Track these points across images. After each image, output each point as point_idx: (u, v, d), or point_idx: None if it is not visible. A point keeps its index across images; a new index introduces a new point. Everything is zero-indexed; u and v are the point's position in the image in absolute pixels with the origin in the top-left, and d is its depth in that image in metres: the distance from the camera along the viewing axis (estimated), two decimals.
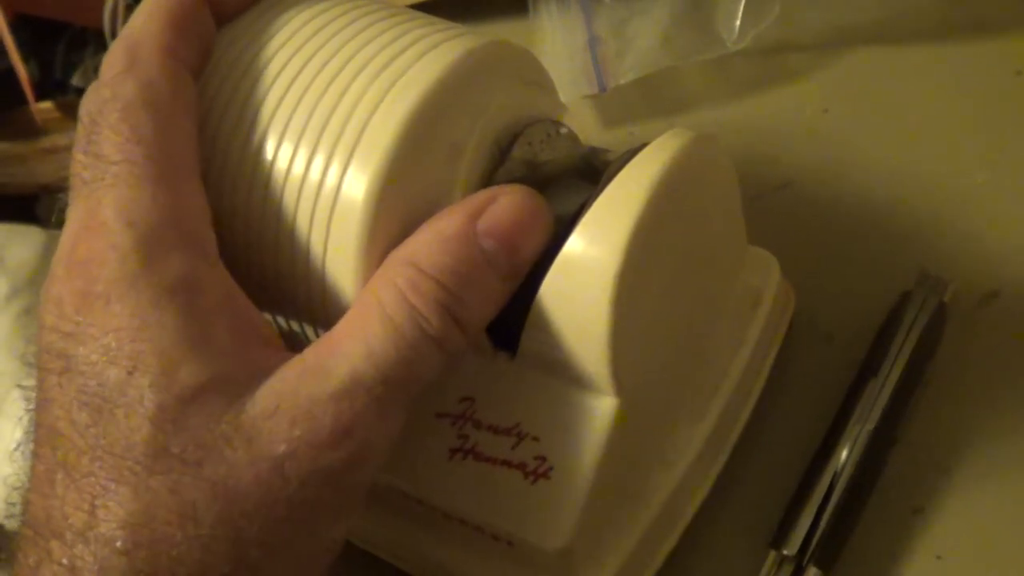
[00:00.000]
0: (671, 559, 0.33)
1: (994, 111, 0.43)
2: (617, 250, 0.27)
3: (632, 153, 0.29)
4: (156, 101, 0.27)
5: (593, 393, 0.28)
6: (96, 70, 0.41)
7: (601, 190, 0.28)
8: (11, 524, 0.26)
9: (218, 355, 0.25)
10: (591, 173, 0.30)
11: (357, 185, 0.27)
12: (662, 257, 0.29)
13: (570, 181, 0.30)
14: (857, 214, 0.40)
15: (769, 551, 0.33)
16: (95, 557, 0.23)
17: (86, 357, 0.24)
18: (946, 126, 0.42)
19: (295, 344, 0.27)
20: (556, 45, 0.45)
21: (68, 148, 0.27)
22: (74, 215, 0.26)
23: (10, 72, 0.50)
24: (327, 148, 0.27)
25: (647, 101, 0.45)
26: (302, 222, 0.27)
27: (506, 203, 0.27)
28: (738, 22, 0.43)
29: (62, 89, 0.53)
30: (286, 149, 0.28)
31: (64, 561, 0.23)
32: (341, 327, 0.26)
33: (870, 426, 0.34)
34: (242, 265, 0.28)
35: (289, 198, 0.28)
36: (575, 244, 0.27)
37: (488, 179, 0.29)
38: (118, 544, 0.23)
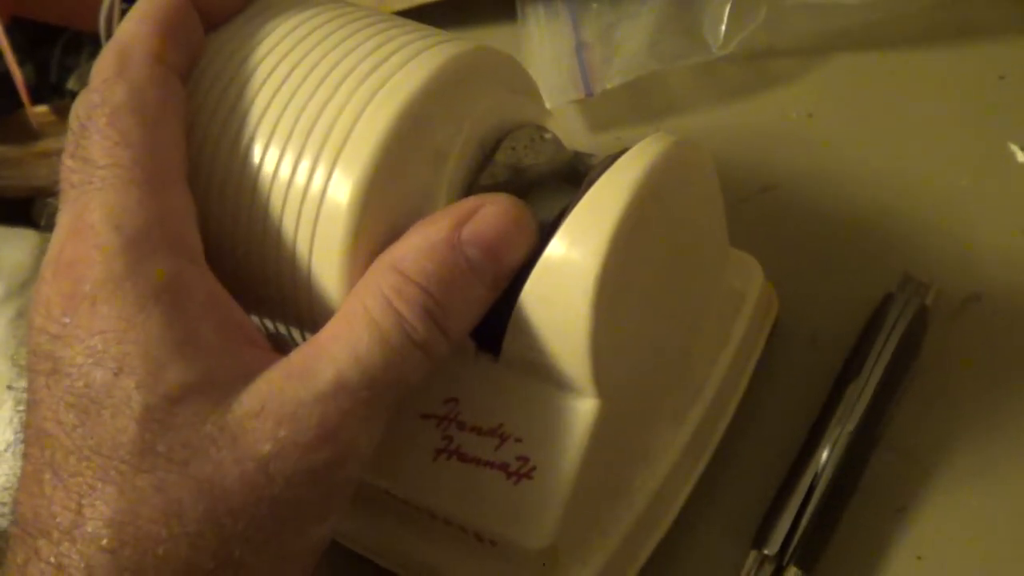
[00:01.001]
0: (654, 558, 0.33)
1: (978, 115, 0.43)
2: (597, 253, 0.27)
3: (614, 158, 0.29)
4: (144, 106, 0.27)
5: (575, 394, 0.28)
6: None
7: (582, 194, 0.28)
8: (1, 523, 0.27)
9: (204, 356, 0.25)
10: (575, 177, 0.30)
11: (342, 190, 0.27)
12: (643, 260, 0.29)
13: (553, 185, 0.31)
14: (841, 217, 0.41)
15: (751, 551, 0.34)
16: (81, 555, 0.23)
17: (73, 359, 0.25)
18: (930, 130, 0.43)
19: (281, 346, 0.27)
20: (544, 50, 0.45)
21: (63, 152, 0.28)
22: (63, 218, 0.27)
23: (6, 76, 0.50)
24: (313, 153, 0.27)
25: (634, 106, 0.45)
26: (288, 226, 0.28)
27: (491, 212, 0.28)
28: (724, 27, 0.44)
29: (58, 93, 0.53)
30: (272, 154, 0.28)
31: (51, 559, 0.24)
32: (327, 331, 0.26)
33: (851, 427, 0.34)
34: (228, 268, 0.28)
35: (275, 202, 0.28)
36: (556, 247, 0.28)
37: (472, 183, 0.30)
38: (104, 542, 0.23)
